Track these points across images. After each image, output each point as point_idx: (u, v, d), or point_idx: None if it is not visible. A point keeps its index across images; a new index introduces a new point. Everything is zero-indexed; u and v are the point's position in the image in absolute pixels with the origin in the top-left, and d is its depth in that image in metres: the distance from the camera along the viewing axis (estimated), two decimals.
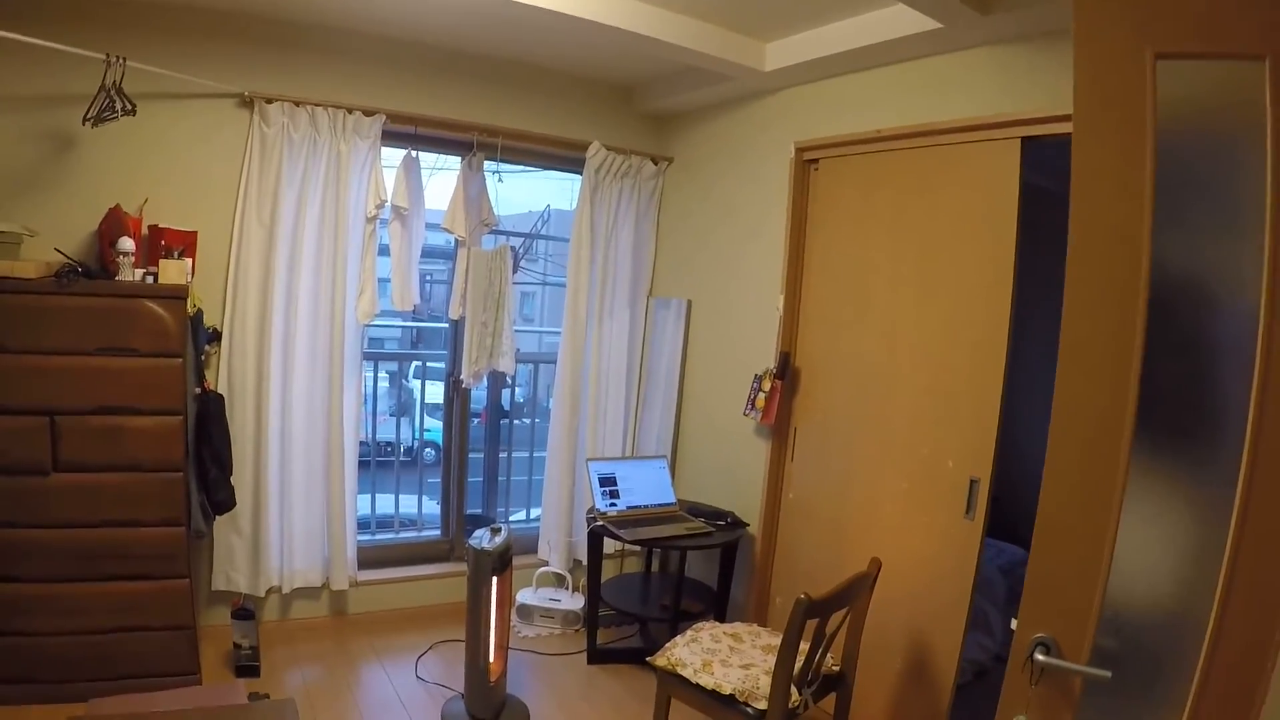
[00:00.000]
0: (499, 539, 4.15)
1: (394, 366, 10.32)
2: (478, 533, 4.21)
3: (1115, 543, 1.86)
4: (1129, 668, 1.92)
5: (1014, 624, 2.06)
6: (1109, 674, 1.85)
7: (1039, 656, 1.94)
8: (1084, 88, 1.91)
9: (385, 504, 7.04)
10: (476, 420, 7.19)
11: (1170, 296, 1.85)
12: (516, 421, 7.83)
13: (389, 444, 8.65)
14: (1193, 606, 1.88)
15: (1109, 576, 1.88)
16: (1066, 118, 3.38)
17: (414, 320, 11.93)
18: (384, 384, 10.02)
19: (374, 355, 7.17)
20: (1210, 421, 1.92)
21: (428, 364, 9.34)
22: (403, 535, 6.50)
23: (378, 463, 7.39)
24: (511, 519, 7.18)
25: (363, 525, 6.10)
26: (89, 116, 4.07)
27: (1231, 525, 1.79)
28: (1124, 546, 1.86)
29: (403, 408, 9.55)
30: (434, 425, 8.96)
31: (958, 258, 4.04)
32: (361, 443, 5.52)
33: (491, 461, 6.84)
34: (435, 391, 6.39)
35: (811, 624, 3.25)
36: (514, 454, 7.31)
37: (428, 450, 9.31)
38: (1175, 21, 1.82)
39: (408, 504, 7.23)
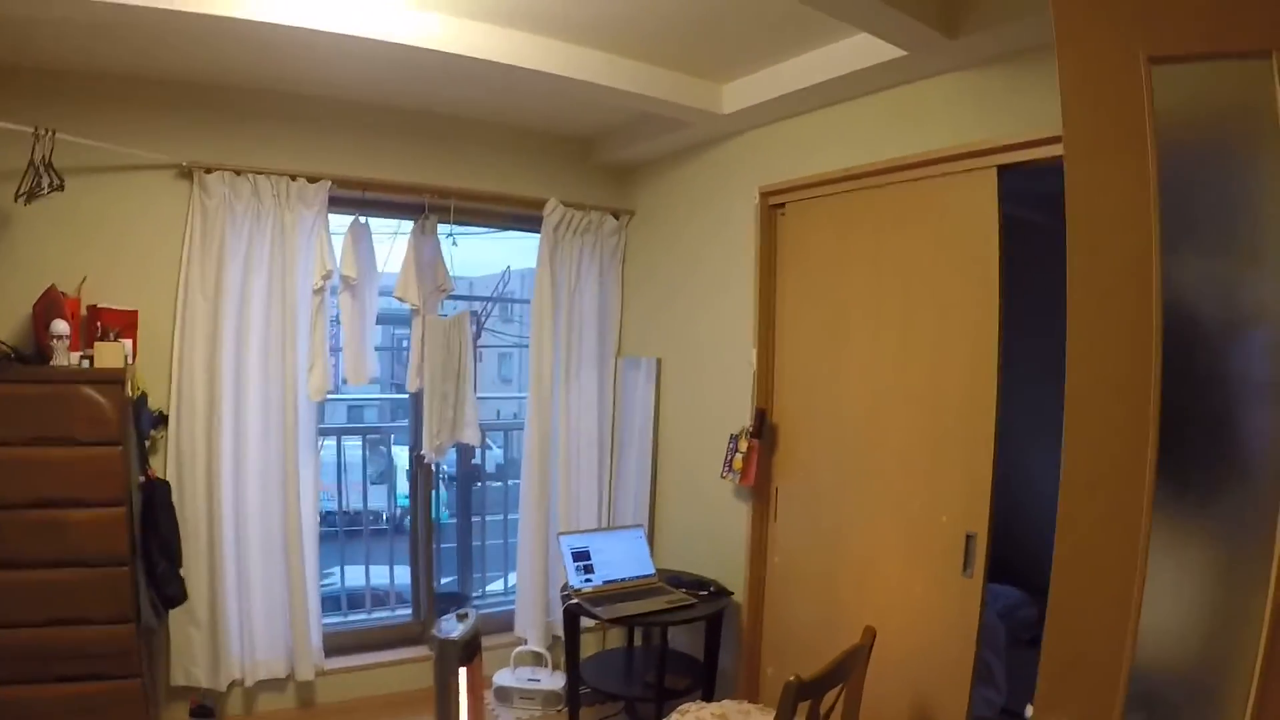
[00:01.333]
0: (465, 625, 3.94)
1: (377, 435, 10.03)
2: (443, 619, 4.00)
3: (1140, 610, 1.63)
4: None
5: (1029, 711, 1.83)
6: None
7: None
8: (1072, 100, 1.71)
9: (365, 575, 6.75)
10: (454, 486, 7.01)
11: (1184, 326, 1.64)
12: (492, 484, 7.63)
13: (371, 514, 8.43)
14: (1232, 671, 1.65)
15: (1135, 647, 1.65)
16: (1043, 142, 3.27)
17: (394, 391, 11.72)
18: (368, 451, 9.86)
19: (334, 430, 6.98)
20: (1240, 462, 1.70)
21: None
22: (374, 616, 6.27)
23: (357, 532, 7.16)
24: (489, 588, 6.95)
25: (333, 601, 5.88)
26: (20, 193, 3.92)
27: (1273, 577, 1.56)
28: (1150, 610, 1.63)
29: (385, 475, 9.33)
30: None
31: (938, 298, 3.85)
32: (335, 513, 5.31)
33: (464, 532, 6.63)
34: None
35: (804, 705, 3.02)
36: (491, 517, 7.12)
37: (409, 519, 8.93)
38: (1167, 20, 1.62)
39: (385, 574, 6.99)
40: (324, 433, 5.83)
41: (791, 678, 2.91)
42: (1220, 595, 1.73)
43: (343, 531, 6.77)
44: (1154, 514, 1.61)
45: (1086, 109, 1.69)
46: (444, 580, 6.51)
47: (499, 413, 8.80)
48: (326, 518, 7.17)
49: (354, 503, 7.83)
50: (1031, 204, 3.96)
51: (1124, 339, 1.66)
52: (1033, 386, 3.71)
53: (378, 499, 8.88)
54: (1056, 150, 3.15)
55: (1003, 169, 3.54)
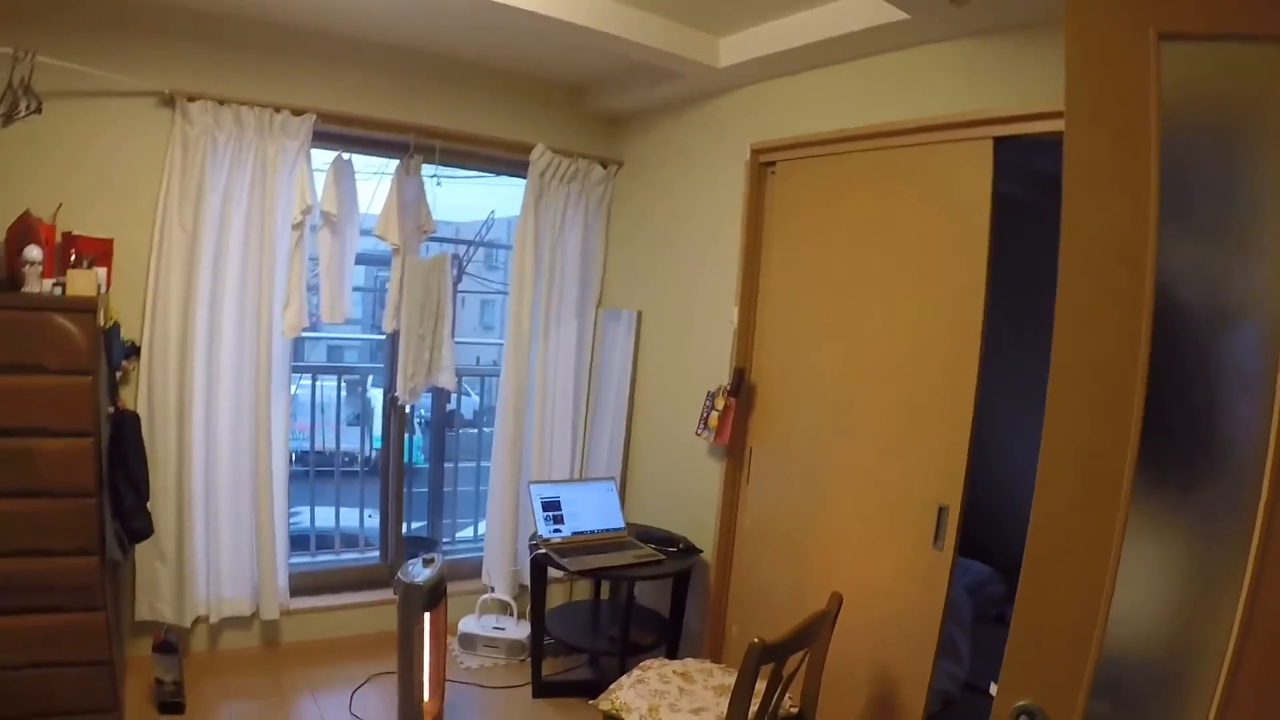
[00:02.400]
0: (431, 570, 3.90)
1: (354, 375, 9.96)
2: (409, 564, 3.96)
3: (1112, 597, 1.61)
4: None
5: (993, 689, 1.81)
6: None
7: None
8: (1077, 73, 1.66)
9: (335, 517, 6.73)
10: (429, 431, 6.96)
11: (1175, 313, 1.61)
12: (468, 431, 7.60)
13: (345, 455, 8.37)
14: (1200, 664, 1.64)
15: (1104, 635, 1.63)
16: (1041, 115, 3.22)
17: (375, 332, 11.64)
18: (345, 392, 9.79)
19: (310, 368, 6.93)
20: (1221, 455, 1.67)
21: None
22: (342, 557, 6.23)
23: (330, 473, 7.13)
24: (459, 535, 6.94)
25: (302, 542, 5.84)
26: None
27: (1248, 574, 1.54)
28: (1121, 598, 1.62)
29: (362, 417, 9.30)
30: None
31: (926, 267, 3.80)
32: (307, 453, 5.25)
33: (436, 477, 6.60)
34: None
35: (768, 666, 3.00)
36: (465, 464, 7.09)
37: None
38: None
39: (355, 517, 6.96)
40: (300, 371, 5.78)
41: (756, 639, 2.89)
42: (1192, 588, 1.71)
43: (314, 471, 6.71)
44: (1131, 500, 1.59)
45: (1091, 80, 1.65)
46: (414, 525, 6.49)
47: (479, 359, 8.74)
48: (300, 457, 7.14)
49: (329, 443, 7.79)
50: (1022, 181, 3.92)
51: (1113, 317, 1.63)
52: (1015, 364, 3.69)
53: (353, 440, 8.84)
54: (1055, 125, 3.17)
55: (999, 141, 3.48)
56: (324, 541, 6.50)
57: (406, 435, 5.76)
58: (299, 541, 5.63)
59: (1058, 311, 1.68)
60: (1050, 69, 3.20)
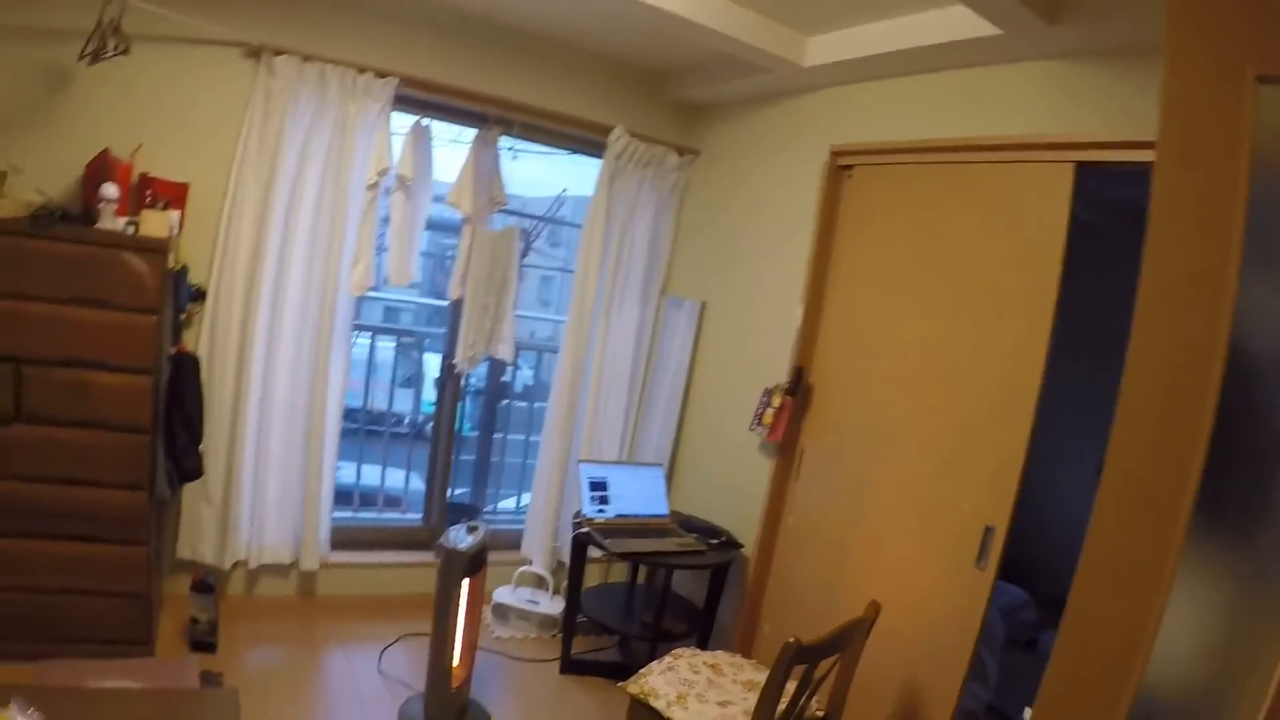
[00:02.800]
0: (474, 538, 3.91)
1: (410, 338, 9.98)
2: (453, 530, 3.97)
3: (1157, 634, 1.59)
4: None
5: (1027, 714, 1.80)
6: None
7: None
8: (1172, 110, 1.64)
9: (381, 475, 6.78)
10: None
11: (1251, 359, 1.58)
12: (518, 404, 7.61)
13: (395, 416, 8.41)
14: (1236, 711, 1.61)
15: (1144, 671, 1.61)
16: (1127, 145, 3.16)
17: (434, 298, 11.68)
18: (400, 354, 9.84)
19: (369, 328, 6.96)
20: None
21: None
22: (384, 516, 6.30)
23: (376, 433, 7.18)
24: (501, 505, 6.95)
25: (345, 497, 5.88)
26: (85, 53, 3.85)
27: None
28: (1164, 638, 1.60)
29: (414, 380, 9.34)
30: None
31: (995, 286, 3.75)
32: (357, 410, 5.29)
33: (485, 446, 6.62)
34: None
35: (799, 668, 2.99)
36: (513, 436, 7.10)
37: (431, 426, 8.84)
38: None
39: (400, 478, 7.00)
40: (360, 329, 5.81)
41: (791, 639, 2.88)
42: (1236, 633, 1.67)
43: (364, 430, 6.76)
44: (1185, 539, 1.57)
45: (1185, 119, 1.62)
46: (458, 492, 6.51)
47: (533, 333, 8.75)
48: (350, 414, 7.19)
49: (380, 403, 7.83)
50: (1095, 206, 3.86)
51: (1186, 357, 1.61)
52: (1067, 388, 3.64)
53: (404, 403, 8.88)
54: (1139, 155, 3.12)
55: (1080, 166, 3.43)
56: (367, 499, 6.55)
57: (458, 403, 5.78)
58: (343, 497, 5.67)
59: (1131, 346, 1.66)
60: (1138, 98, 3.15)
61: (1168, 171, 1.65)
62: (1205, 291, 1.57)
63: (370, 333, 6.53)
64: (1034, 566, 5.36)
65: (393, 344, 6.84)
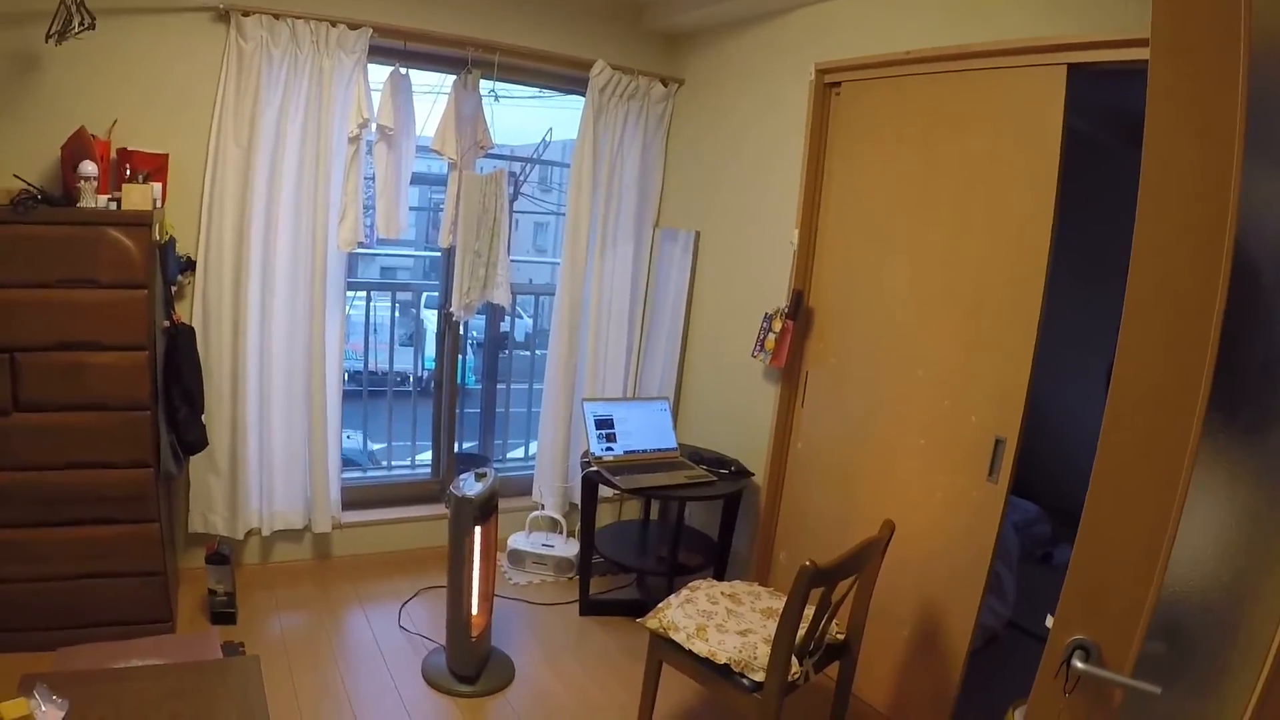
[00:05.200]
0: (484, 484, 3.90)
1: (408, 295, 10.01)
2: (461, 477, 3.97)
3: (1175, 536, 1.56)
4: (1180, 678, 1.65)
5: (1049, 621, 1.78)
6: (1158, 689, 1.56)
7: (1077, 664, 1.67)
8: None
9: (388, 433, 6.81)
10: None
11: (1257, 253, 1.53)
12: (520, 353, 7.59)
13: (399, 374, 8.41)
14: (1259, 610, 1.60)
15: (1164, 574, 1.58)
16: (1120, 43, 3.09)
17: (426, 249, 11.62)
18: (398, 313, 9.81)
19: (364, 284, 6.94)
20: None
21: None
22: (394, 473, 6.31)
23: (382, 394, 7.17)
24: (510, 455, 6.98)
25: (356, 458, 5.88)
26: (51, 33, 3.79)
27: None
28: (1184, 539, 1.57)
29: (415, 338, 9.29)
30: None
31: (992, 195, 3.69)
32: (360, 373, 5.27)
33: (489, 396, 6.62)
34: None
35: (816, 591, 2.98)
36: (517, 385, 7.10)
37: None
38: None
39: (407, 435, 7.00)
40: (354, 287, 5.78)
41: (807, 563, 2.87)
42: (1256, 531, 1.65)
43: (367, 391, 6.76)
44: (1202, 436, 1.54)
45: (1177, 6, 1.56)
46: (466, 445, 6.52)
47: (531, 280, 8.72)
48: (354, 377, 7.19)
49: (383, 363, 7.81)
50: (1098, 119, 3.80)
51: (1191, 252, 1.57)
52: (1074, 303, 3.61)
53: (406, 361, 8.86)
54: (1131, 54, 3.08)
55: (1073, 69, 3.35)
56: (377, 458, 6.55)
57: (459, 356, 5.76)
58: (352, 458, 5.67)
59: (1135, 244, 1.62)
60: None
61: (1161, 63, 1.60)
62: (1208, 184, 1.52)
63: (365, 290, 6.51)
64: (1045, 481, 5.36)
65: (393, 302, 6.79)
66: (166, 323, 4.23)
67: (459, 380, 5.84)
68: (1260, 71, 1.47)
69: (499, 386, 6.82)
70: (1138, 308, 1.63)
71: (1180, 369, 1.56)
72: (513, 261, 5.36)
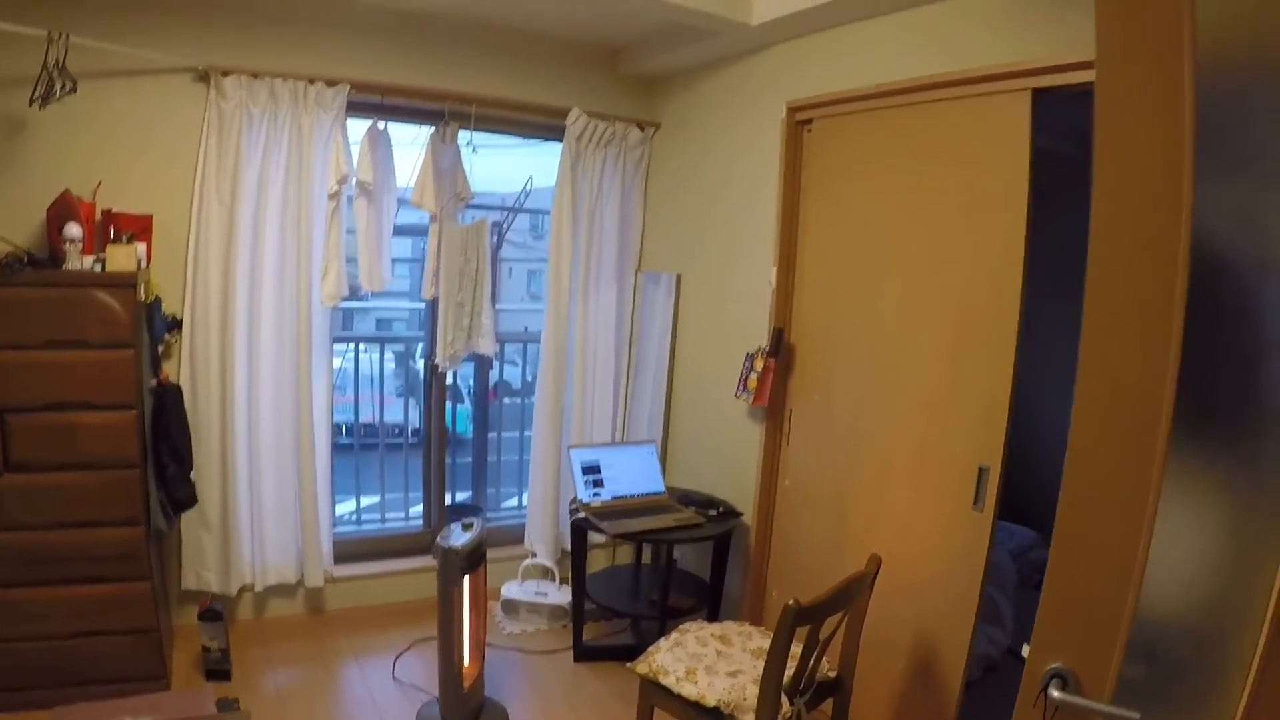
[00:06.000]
0: (470, 534, 3.91)
1: (401, 347, 9.96)
2: (448, 528, 3.97)
3: (1148, 556, 1.56)
4: (1162, 701, 1.64)
5: (1025, 651, 1.78)
6: (1137, 715, 1.55)
7: (1054, 693, 1.65)
8: (1108, 7, 1.60)
9: (380, 485, 6.78)
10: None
11: (1216, 257, 1.53)
12: (512, 400, 7.61)
13: (394, 426, 8.41)
14: (1239, 626, 1.58)
15: (1139, 596, 1.57)
16: (1080, 65, 3.12)
17: (420, 300, 11.64)
18: (393, 364, 9.79)
19: (351, 338, 6.97)
20: (1265, 408, 1.60)
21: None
22: (388, 525, 6.31)
23: (386, 445, 7.19)
24: (505, 505, 6.96)
25: (348, 516, 5.89)
26: (34, 98, 3.87)
27: None
28: (1158, 557, 1.55)
29: (412, 388, 9.31)
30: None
31: (965, 224, 3.72)
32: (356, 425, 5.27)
33: (481, 445, 6.62)
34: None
35: (804, 629, 2.99)
36: (509, 434, 7.11)
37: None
38: None
39: (402, 488, 7.01)
40: (343, 340, 5.80)
41: (790, 602, 2.88)
42: (1234, 545, 1.64)
43: (359, 444, 6.79)
44: (1169, 453, 1.54)
45: (1123, 14, 1.59)
46: (460, 496, 6.53)
47: (526, 328, 8.81)
48: (349, 430, 7.20)
49: (378, 415, 7.80)
50: (1063, 136, 3.84)
51: (1149, 263, 1.56)
52: (1058, 323, 3.62)
53: (400, 413, 8.87)
54: (1092, 75, 3.05)
55: (1037, 93, 3.39)
56: (372, 511, 6.55)
57: (455, 405, 5.78)
58: (346, 510, 5.67)
59: (1090, 255, 1.62)
60: (1089, 17, 3.11)
61: (1110, 73, 1.61)
62: (1161, 193, 1.52)
63: (353, 342, 6.53)
64: (1041, 504, 5.33)
65: (380, 354, 6.81)
66: (154, 382, 4.26)
67: (452, 429, 5.85)
68: (1206, 75, 1.48)
69: (491, 435, 6.82)
70: (1097, 319, 1.63)
71: (1143, 382, 1.55)
72: (505, 310, 5.40)
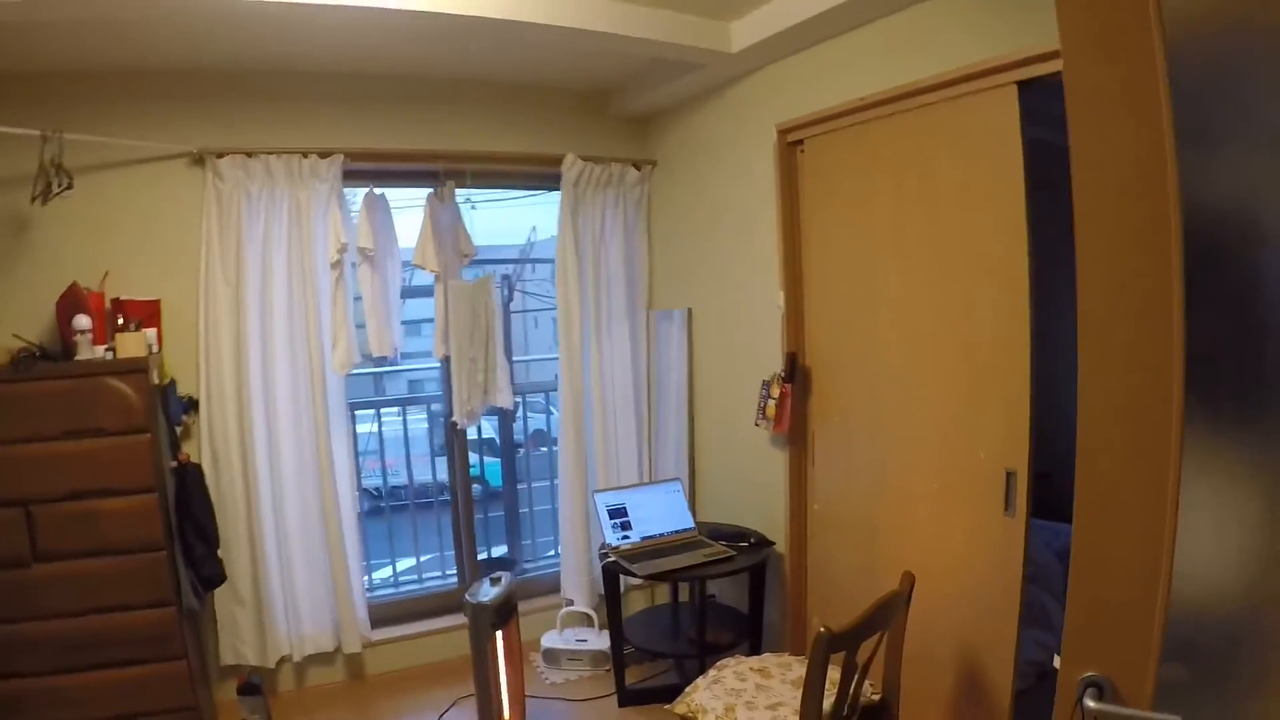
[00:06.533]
0: (498, 589, 3.89)
1: (439, 405, 9.91)
2: (476, 585, 3.95)
3: (1174, 549, 1.50)
4: (1206, 701, 1.58)
5: (1056, 661, 1.73)
6: (1178, 719, 1.50)
7: (1090, 703, 1.58)
8: None
9: (415, 548, 6.80)
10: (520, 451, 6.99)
11: (1207, 237, 1.46)
12: (550, 449, 7.60)
13: (424, 485, 8.39)
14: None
15: (1170, 594, 1.51)
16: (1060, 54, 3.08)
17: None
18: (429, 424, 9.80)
19: (371, 403, 6.97)
20: (1276, 377, 1.51)
21: None
22: (424, 584, 6.27)
23: (424, 506, 7.26)
24: (543, 555, 6.94)
25: (386, 580, 5.88)
26: (35, 195, 3.97)
27: None
28: (1186, 549, 1.50)
29: (446, 446, 9.27)
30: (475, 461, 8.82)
31: (965, 225, 3.68)
32: (396, 487, 5.27)
33: (511, 497, 6.61)
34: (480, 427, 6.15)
35: (839, 655, 2.94)
36: (542, 483, 7.10)
37: (475, 486, 8.79)
38: None
39: (437, 547, 7.01)
40: (364, 406, 5.80)
41: (822, 629, 2.84)
42: (1265, 526, 1.55)
43: (389, 507, 6.78)
44: (1184, 441, 1.48)
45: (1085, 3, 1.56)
46: (496, 550, 6.51)
47: (557, 375, 8.90)
48: (381, 494, 7.20)
49: (418, 476, 7.77)
50: (1058, 125, 3.81)
51: (1139, 249, 1.52)
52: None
53: (440, 470, 8.89)
54: None
55: (1023, 85, 3.36)
56: (408, 573, 6.53)
57: (488, 459, 5.77)
58: (383, 575, 5.66)
59: (1078, 249, 1.58)
60: None
61: (1077, 66, 1.57)
62: (1145, 180, 1.48)
63: (374, 407, 6.54)
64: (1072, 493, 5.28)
65: (403, 415, 6.81)
66: (174, 463, 4.28)
67: (484, 482, 5.83)
68: (1178, 55, 1.43)
69: (522, 486, 6.81)
70: (1092, 317, 1.60)
71: (1149, 371, 1.51)
72: (536, 360, 5.39)
